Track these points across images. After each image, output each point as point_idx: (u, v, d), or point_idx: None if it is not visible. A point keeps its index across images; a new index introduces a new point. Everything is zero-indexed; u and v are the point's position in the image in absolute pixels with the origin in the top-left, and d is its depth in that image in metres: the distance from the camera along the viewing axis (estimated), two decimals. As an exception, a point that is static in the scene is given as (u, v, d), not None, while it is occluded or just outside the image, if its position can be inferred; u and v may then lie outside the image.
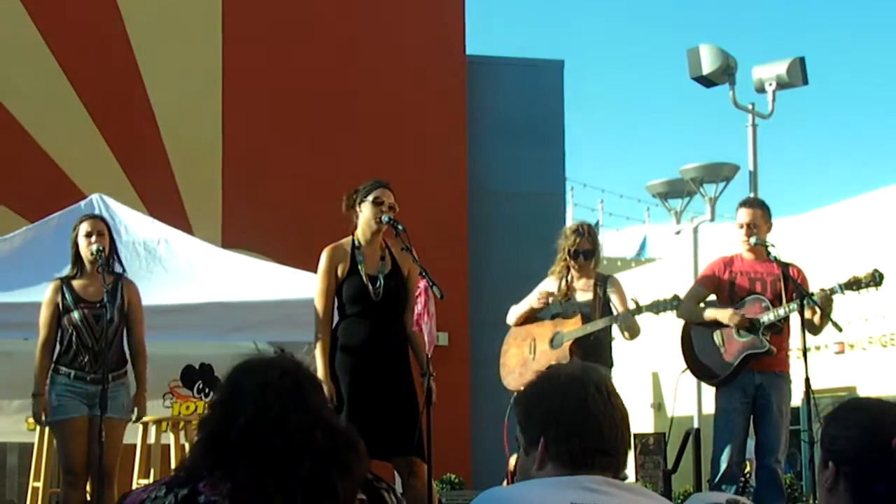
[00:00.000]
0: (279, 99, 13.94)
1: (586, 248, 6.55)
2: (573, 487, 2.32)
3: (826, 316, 6.13)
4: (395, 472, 5.79)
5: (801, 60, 13.33)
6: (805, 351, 6.03)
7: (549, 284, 6.65)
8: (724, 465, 6.25)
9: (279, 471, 2.36)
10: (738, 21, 73.23)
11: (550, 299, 6.56)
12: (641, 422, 22.13)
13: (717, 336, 6.39)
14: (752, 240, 6.37)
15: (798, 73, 13.27)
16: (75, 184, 12.24)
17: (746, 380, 6.28)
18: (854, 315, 17.02)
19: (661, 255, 28.53)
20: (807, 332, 6.14)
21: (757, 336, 6.20)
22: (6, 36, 13.19)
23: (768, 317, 6.19)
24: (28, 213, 10.84)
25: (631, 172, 70.88)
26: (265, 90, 13.90)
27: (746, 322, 6.22)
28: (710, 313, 6.40)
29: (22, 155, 12.87)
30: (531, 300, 6.65)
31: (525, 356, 6.60)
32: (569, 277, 6.56)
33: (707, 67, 13.04)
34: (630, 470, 15.90)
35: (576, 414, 2.39)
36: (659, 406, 22.36)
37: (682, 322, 6.63)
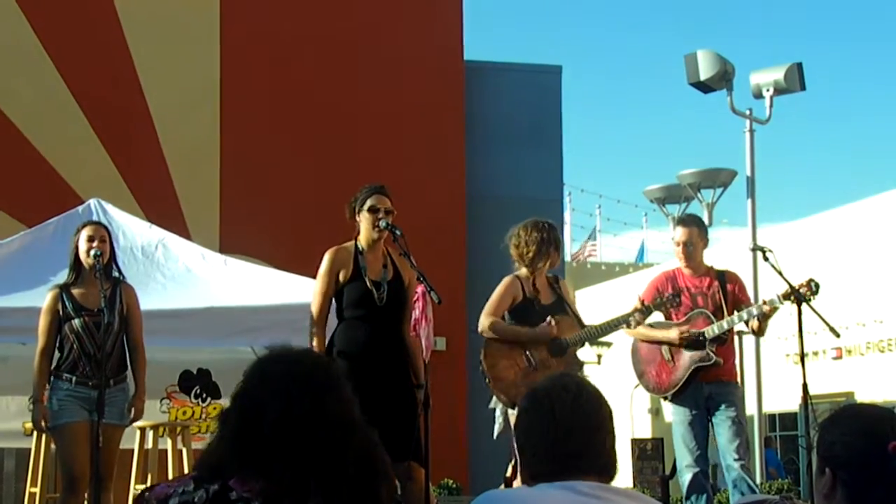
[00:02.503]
0: (277, 104, 13.95)
1: (559, 238, 6.44)
2: (568, 492, 2.32)
3: (765, 323, 6.35)
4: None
5: (799, 66, 13.35)
6: (802, 356, 6.08)
7: (514, 286, 6.26)
8: (689, 476, 6.36)
9: (323, 471, 2.22)
10: (736, 27, 73.34)
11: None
12: (640, 427, 22.13)
13: (665, 351, 6.52)
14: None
15: (795, 79, 13.28)
16: (73, 189, 12.24)
17: (697, 391, 6.42)
18: (851, 320, 17.03)
19: (659, 261, 28.54)
20: (801, 338, 6.18)
21: (704, 349, 6.34)
22: (4, 41, 13.19)
23: (713, 329, 6.34)
24: (26, 217, 10.83)
25: (629, 178, 71.00)
26: (263, 96, 13.91)
27: (692, 337, 6.36)
28: (658, 334, 6.53)
29: (20, 160, 12.87)
30: (542, 328, 6.11)
31: (523, 367, 6.17)
32: (535, 281, 6.25)
33: (705, 73, 13.06)
34: (628, 475, 15.91)
35: (544, 426, 2.42)
36: (657, 411, 22.35)
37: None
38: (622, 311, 6.35)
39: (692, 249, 6.58)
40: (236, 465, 2.24)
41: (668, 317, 6.60)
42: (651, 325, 6.62)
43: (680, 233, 6.68)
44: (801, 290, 6.10)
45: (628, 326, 6.35)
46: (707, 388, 6.40)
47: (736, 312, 6.37)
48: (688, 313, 6.48)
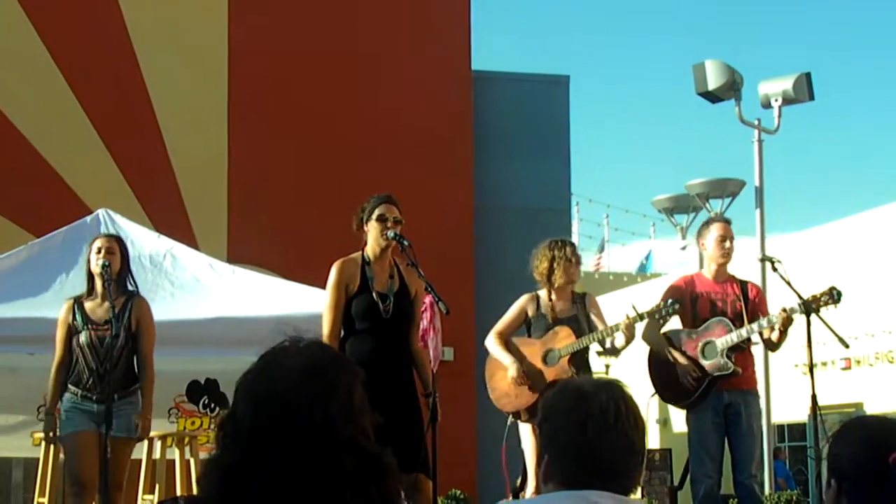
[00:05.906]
0: (284, 115, 13.97)
1: (573, 252, 6.57)
2: (581, 501, 2.32)
3: (784, 334, 6.20)
4: (401, 489, 5.76)
5: (808, 76, 13.35)
6: (811, 367, 6.05)
7: (527, 303, 6.56)
8: (703, 486, 6.29)
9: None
10: (745, 37, 73.33)
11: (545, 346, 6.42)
12: (648, 437, 22.07)
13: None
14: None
15: (804, 89, 13.29)
16: (82, 199, 12.26)
17: (716, 399, 6.32)
18: (860, 331, 16.99)
19: (667, 271, 28.52)
20: (810, 348, 6.13)
21: (721, 358, 6.24)
22: (14, 52, 13.24)
23: (731, 338, 6.23)
24: (34, 227, 10.86)
25: (637, 188, 70.88)
26: (271, 106, 13.93)
27: (697, 373, 6.26)
28: (673, 354, 6.40)
29: (28, 170, 12.91)
30: (511, 365, 6.36)
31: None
32: (551, 296, 6.49)
33: (713, 83, 13.07)
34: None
35: (574, 437, 2.38)
36: (665, 422, 22.30)
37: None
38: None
39: (732, 246, 6.49)
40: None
41: (684, 323, 6.50)
42: (667, 334, 6.52)
43: (724, 228, 6.55)
44: (821, 298, 6.02)
45: (628, 337, 6.33)
46: (727, 396, 6.30)
47: (756, 322, 6.23)
48: (706, 319, 6.37)
